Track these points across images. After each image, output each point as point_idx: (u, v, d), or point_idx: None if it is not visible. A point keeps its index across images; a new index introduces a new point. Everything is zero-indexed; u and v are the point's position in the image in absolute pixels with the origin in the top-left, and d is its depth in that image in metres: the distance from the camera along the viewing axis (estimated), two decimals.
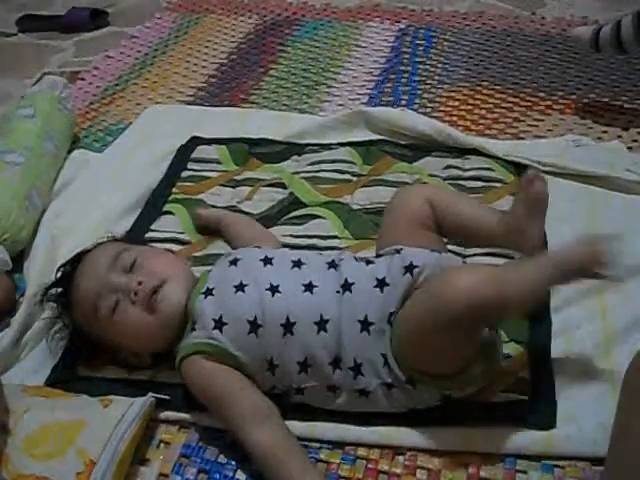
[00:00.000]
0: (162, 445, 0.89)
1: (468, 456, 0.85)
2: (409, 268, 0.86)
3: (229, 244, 1.13)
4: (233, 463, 0.86)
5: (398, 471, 0.84)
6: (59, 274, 0.98)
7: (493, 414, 0.88)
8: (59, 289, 0.97)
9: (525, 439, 0.85)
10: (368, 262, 0.91)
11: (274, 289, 0.87)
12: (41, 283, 1.03)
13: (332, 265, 0.91)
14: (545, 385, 0.90)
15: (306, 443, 0.87)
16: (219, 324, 0.86)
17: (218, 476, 0.85)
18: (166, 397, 0.90)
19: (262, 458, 0.81)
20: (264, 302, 0.86)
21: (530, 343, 0.95)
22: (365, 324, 0.85)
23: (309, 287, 0.87)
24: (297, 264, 0.91)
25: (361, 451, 0.87)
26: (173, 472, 0.85)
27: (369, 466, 0.85)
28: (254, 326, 0.85)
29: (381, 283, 0.87)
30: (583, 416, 0.87)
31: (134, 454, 0.85)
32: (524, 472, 0.83)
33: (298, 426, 0.87)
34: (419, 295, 0.84)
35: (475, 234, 0.96)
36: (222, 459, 0.86)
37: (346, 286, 0.87)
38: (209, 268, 0.95)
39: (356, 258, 0.94)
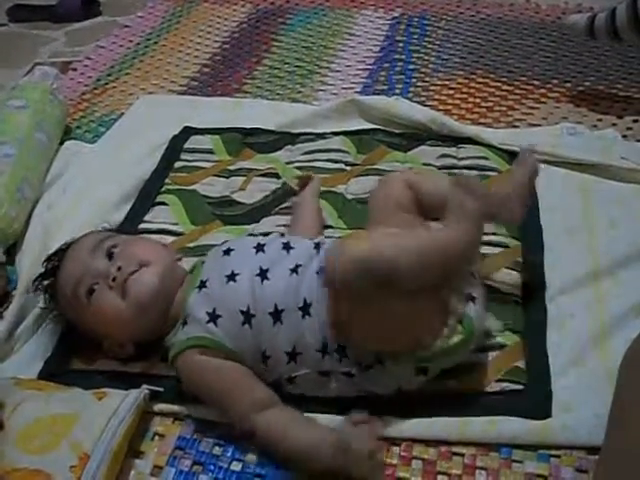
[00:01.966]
0: (156, 437, 0.88)
1: (464, 446, 0.85)
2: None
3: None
4: (228, 455, 0.85)
5: (394, 462, 0.84)
6: (47, 265, 0.97)
7: (489, 404, 0.87)
8: (47, 280, 0.96)
9: (521, 428, 0.85)
10: None
11: (264, 274, 0.86)
12: (32, 275, 1.03)
13: (317, 246, 0.91)
14: (541, 374, 0.90)
15: None
16: (213, 317, 0.85)
17: (213, 468, 0.84)
18: (160, 389, 0.89)
19: (270, 434, 0.82)
20: (254, 290, 0.86)
21: (526, 332, 0.95)
22: None
23: (294, 270, 0.87)
24: (286, 247, 0.90)
25: None
26: (168, 464, 0.85)
27: None
28: (247, 316, 0.85)
29: None
30: (579, 405, 0.86)
31: (128, 446, 0.84)
32: (520, 462, 0.83)
33: None
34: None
35: None
36: (217, 451, 0.86)
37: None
38: (202, 258, 0.95)
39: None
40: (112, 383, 0.91)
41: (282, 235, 0.97)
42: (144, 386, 0.88)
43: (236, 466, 0.84)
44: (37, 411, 0.81)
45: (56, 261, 0.95)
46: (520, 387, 0.89)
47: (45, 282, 0.96)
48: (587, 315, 0.97)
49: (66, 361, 0.96)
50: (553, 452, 0.84)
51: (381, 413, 0.86)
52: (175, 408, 0.90)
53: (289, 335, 0.85)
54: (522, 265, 1.05)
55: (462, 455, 0.84)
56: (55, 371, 0.94)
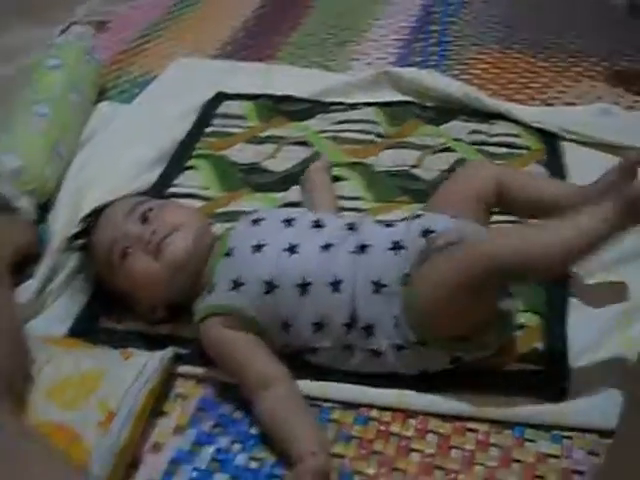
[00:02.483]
0: (179, 398, 0.90)
1: (478, 422, 0.86)
2: (426, 233, 0.87)
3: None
4: (248, 419, 0.87)
5: (409, 434, 0.86)
6: (82, 225, 1.00)
7: (506, 383, 0.88)
8: (81, 240, 0.98)
9: (536, 409, 0.86)
10: (388, 225, 0.92)
11: (292, 249, 0.88)
12: (65, 234, 1.05)
13: (351, 226, 0.92)
14: (559, 356, 0.90)
15: (318, 403, 0.88)
16: (236, 285, 0.87)
17: (233, 430, 0.87)
18: (184, 351, 0.92)
19: (265, 422, 0.83)
20: (281, 262, 0.87)
21: (546, 314, 0.95)
22: (378, 285, 0.86)
23: (326, 247, 0.88)
24: (317, 224, 0.91)
25: (374, 412, 0.88)
26: (189, 425, 0.87)
27: (381, 428, 0.86)
28: (270, 286, 0.86)
29: (396, 245, 0.87)
30: (596, 389, 0.87)
31: (152, 406, 0.87)
32: (533, 441, 0.84)
33: (311, 386, 0.88)
34: (443, 254, 0.84)
35: (551, 209, 0.92)
36: (237, 415, 0.88)
37: (362, 248, 0.88)
38: (231, 225, 0.96)
39: (377, 221, 0.94)
40: (139, 343, 0.93)
41: (311, 211, 0.98)
42: (170, 347, 0.90)
43: (255, 430, 0.87)
44: (65, 369, 0.84)
45: (91, 221, 0.97)
46: (538, 368, 0.90)
47: (79, 242, 0.98)
48: (610, 299, 0.97)
49: (95, 320, 0.98)
50: (566, 433, 0.85)
51: (399, 387, 0.88)
52: (198, 370, 0.92)
53: (316, 308, 0.86)
54: None
55: (476, 431, 0.86)
56: (84, 329, 0.96)
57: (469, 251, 0.81)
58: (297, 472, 0.77)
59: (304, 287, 0.86)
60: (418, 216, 0.91)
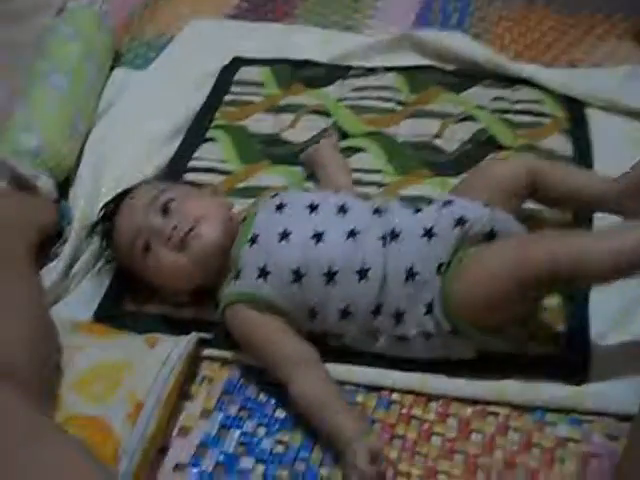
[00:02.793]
0: (205, 381, 0.92)
1: (499, 406, 0.88)
2: (460, 222, 0.87)
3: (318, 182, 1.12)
4: (273, 402, 0.89)
5: (430, 417, 0.87)
6: (101, 213, 1.00)
7: (526, 366, 0.89)
8: (103, 226, 0.99)
9: (556, 392, 0.87)
10: (417, 210, 0.91)
11: (318, 237, 0.88)
12: (86, 215, 1.06)
13: (377, 211, 0.91)
14: (580, 340, 0.91)
15: (343, 386, 0.89)
16: (263, 273, 0.88)
17: (258, 414, 0.89)
18: (209, 336, 0.93)
19: (304, 405, 0.84)
20: (307, 251, 0.87)
21: (568, 296, 0.95)
22: (410, 273, 0.86)
23: (352, 234, 0.88)
24: (342, 209, 0.91)
25: (395, 396, 0.89)
26: (216, 408, 0.89)
27: (402, 411, 0.88)
28: (297, 275, 0.87)
29: (428, 233, 0.87)
30: (615, 373, 0.88)
31: (179, 390, 0.88)
32: (553, 424, 0.86)
33: (336, 369, 0.89)
34: (496, 249, 0.86)
35: (587, 202, 0.97)
36: (262, 398, 0.90)
37: (393, 234, 0.88)
38: (254, 210, 0.95)
39: (404, 205, 0.94)
40: (164, 327, 0.95)
41: (335, 193, 0.97)
42: (194, 333, 0.92)
43: (280, 413, 0.89)
44: (93, 358, 0.86)
45: (112, 208, 0.97)
46: (559, 352, 0.90)
47: (101, 227, 0.99)
48: (632, 281, 0.97)
49: (119, 302, 0.99)
50: (585, 417, 0.86)
51: (421, 370, 0.89)
52: (223, 353, 0.93)
53: (343, 295, 0.87)
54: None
55: (496, 415, 0.87)
56: (108, 313, 0.98)
57: (523, 251, 0.82)
58: (354, 450, 0.77)
59: (331, 275, 0.87)
60: (449, 202, 0.90)
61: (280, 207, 0.92)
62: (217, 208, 0.95)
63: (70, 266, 1.03)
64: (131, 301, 1.00)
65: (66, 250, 1.03)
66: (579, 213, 1.03)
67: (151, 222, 0.92)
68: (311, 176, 1.14)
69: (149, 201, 0.93)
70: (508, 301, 0.83)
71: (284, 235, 0.89)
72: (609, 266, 0.80)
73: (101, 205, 1.02)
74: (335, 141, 1.16)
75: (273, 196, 0.96)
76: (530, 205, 1.01)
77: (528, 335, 0.88)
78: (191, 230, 0.90)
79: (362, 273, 0.87)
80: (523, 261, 0.81)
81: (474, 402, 0.88)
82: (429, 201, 0.95)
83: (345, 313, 0.88)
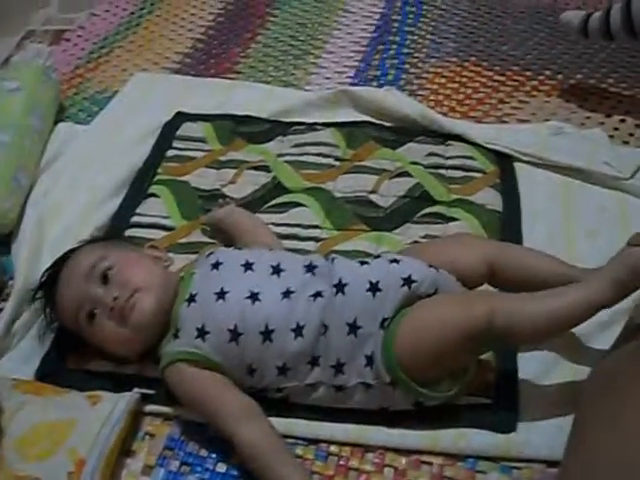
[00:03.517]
0: (147, 437, 0.93)
1: (432, 456, 0.91)
2: (407, 281, 0.90)
3: (232, 240, 1.12)
4: (214, 456, 0.91)
5: (367, 468, 0.90)
6: (43, 278, 1.01)
7: (458, 416, 0.93)
8: (44, 294, 1.00)
9: (487, 441, 0.90)
10: (362, 262, 0.94)
11: (254, 297, 0.90)
12: (30, 267, 1.07)
13: (313, 267, 0.94)
14: (509, 389, 0.95)
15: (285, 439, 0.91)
16: (201, 333, 0.90)
17: (199, 469, 0.90)
18: (151, 392, 0.94)
19: (249, 454, 0.86)
20: (244, 311, 0.90)
21: (498, 347, 0.99)
22: (353, 327, 0.89)
23: (287, 294, 0.91)
24: (276, 270, 0.94)
25: (333, 448, 0.92)
26: (157, 464, 0.90)
27: (340, 462, 0.90)
28: (235, 334, 0.89)
29: (374, 288, 0.90)
30: (543, 420, 0.92)
31: (120, 446, 0.89)
32: (483, 472, 0.89)
33: (275, 423, 0.90)
34: (441, 301, 0.90)
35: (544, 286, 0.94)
36: (203, 452, 0.91)
37: (339, 286, 0.90)
38: (192, 269, 0.98)
39: (349, 257, 0.97)
40: (106, 384, 0.95)
41: (268, 250, 1.00)
42: (135, 389, 0.93)
43: (221, 468, 0.90)
44: (35, 418, 0.86)
45: (53, 274, 0.99)
46: (489, 401, 0.94)
47: (42, 295, 1.00)
48: None
49: (62, 360, 1.00)
50: (515, 464, 0.89)
51: (358, 422, 0.92)
52: (165, 409, 0.95)
53: (279, 352, 0.89)
54: None
55: (430, 464, 0.90)
56: (51, 371, 0.98)
57: (467, 304, 0.86)
58: None
59: (267, 334, 0.89)
60: (396, 260, 0.93)
61: (216, 265, 0.95)
62: (155, 272, 0.97)
63: (12, 323, 1.03)
64: (73, 358, 1.00)
65: (8, 307, 1.04)
66: None
67: (93, 292, 0.93)
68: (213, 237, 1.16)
69: (87, 270, 0.94)
70: (450, 353, 0.87)
71: (221, 294, 0.91)
72: (543, 326, 0.86)
73: (42, 272, 1.02)
74: (232, 206, 1.18)
75: (208, 255, 0.98)
76: None
77: (461, 387, 0.91)
78: (130, 298, 0.92)
79: (297, 331, 0.89)
80: (466, 314, 0.85)
81: (410, 452, 0.91)
82: (375, 256, 0.98)
83: (283, 369, 0.90)
